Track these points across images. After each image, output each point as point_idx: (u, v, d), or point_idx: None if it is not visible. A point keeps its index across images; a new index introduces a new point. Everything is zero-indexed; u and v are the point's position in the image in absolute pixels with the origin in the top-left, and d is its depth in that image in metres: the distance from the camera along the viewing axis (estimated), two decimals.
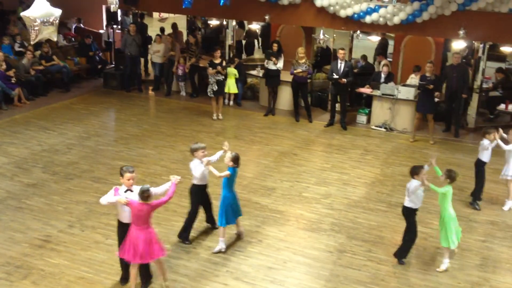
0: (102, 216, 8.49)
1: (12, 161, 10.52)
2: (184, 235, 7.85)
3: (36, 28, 7.14)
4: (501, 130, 9.24)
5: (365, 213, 8.98)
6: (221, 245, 7.64)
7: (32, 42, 7.83)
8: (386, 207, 9.21)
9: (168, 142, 11.84)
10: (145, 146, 11.60)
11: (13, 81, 13.81)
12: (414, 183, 7.25)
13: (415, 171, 7.31)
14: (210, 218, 8.21)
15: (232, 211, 7.63)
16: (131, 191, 6.45)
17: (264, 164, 10.83)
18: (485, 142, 9.03)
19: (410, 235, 7.49)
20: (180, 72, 15.22)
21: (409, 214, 7.43)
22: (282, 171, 10.53)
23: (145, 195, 6.25)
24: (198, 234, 8.09)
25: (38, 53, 15.27)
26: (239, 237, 7.97)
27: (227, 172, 7.42)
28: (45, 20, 7.16)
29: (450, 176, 7.37)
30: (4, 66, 13.74)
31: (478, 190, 9.40)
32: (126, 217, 6.46)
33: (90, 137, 12.00)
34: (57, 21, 7.43)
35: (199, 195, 7.80)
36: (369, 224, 8.61)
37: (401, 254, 7.55)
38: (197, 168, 7.49)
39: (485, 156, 9.16)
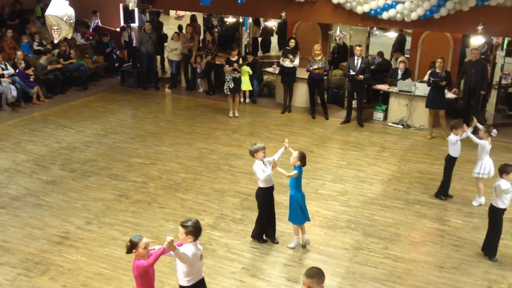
0: (119, 213, 8.57)
1: (31, 158, 10.66)
2: (258, 235, 7.80)
3: (55, 27, 7.23)
4: (475, 119, 9.35)
5: (382, 210, 8.94)
6: (295, 242, 7.69)
7: (56, 41, 7.93)
8: (403, 204, 9.15)
9: (185, 140, 11.89)
10: (162, 143, 11.67)
11: (32, 79, 13.98)
12: (503, 183, 7.10)
13: (504, 170, 7.15)
14: (271, 230, 7.90)
15: (302, 211, 7.51)
16: None
17: (280, 161, 10.78)
18: (452, 137, 9.02)
19: (493, 235, 7.42)
20: (199, 69, 15.30)
21: (496, 214, 7.35)
22: None
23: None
24: (213, 231, 8.11)
25: (56, 51, 15.42)
26: (304, 246, 7.75)
27: (295, 172, 7.31)
28: (65, 19, 7.25)
29: None
30: (23, 65, 13.91)
31: (445, 184, 9.37)
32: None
33: (107, 135, 12.10)
34: (72, 20, 7.51)
35: (267, 197, 7.59)
36: (386, 221, 8.57)
37: (491, 252, 7.51)
38: (261, 170, 7.32)
39: (454, 151, 9.11)
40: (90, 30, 18.73)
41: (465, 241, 8.01)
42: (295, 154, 7.38)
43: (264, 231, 7.81)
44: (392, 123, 13.14)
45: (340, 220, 8.57)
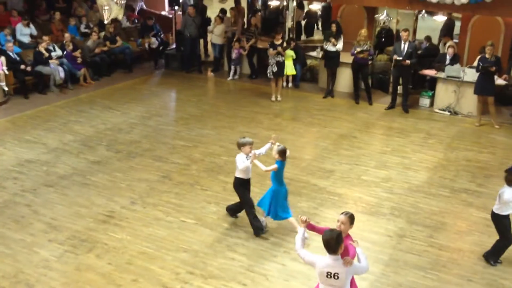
0: (163, 194, 8.68)
1: (78, 139, 10.90)
2: (256, 225, 7.55)
3: (107, 7, 7.34)
4: None
5: (427, 198, 8.75)
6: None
7: (105, 22, 8.07)
8: (449, 192, 8.94)
9: (227, 123, 11.93)
10: (204, 126, 11.73)
11: (79, 62, 14.25)
12: (508, 192, 6.57)
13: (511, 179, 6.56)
14: (235, 210, 7.95)
15: (282, 206, 7.42)
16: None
17: (323, 146, 10.73)
18: None
19: (502, 241, 6.94)
20: (234, 55, 15.22)
21: (498, 220, 6.85)
22: (341, 154, 10.40)
23: None
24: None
25: (102, 34, 15.65)
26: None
27: (274, 166, 7.21)
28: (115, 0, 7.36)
29: None
30: (71, 47, 14.20)
31: None
32: None
33: (151, 117, 12.25)
34: (123, 1, 7.61)
35: (244, 186, 7.59)
36: (431, 209, 8.39)
37: (492, 257, 7.05)
38: (241, 162, 7.34)
39: None
40: (135, 13, 18.91)
41: None
42: (275, 148, 7.26)
43: (256, 218, 7.57)
44: (439, 109, 12.83)
45: (383, 206, 8.45)
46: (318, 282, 5.06)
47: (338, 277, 4.83)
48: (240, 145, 7.42)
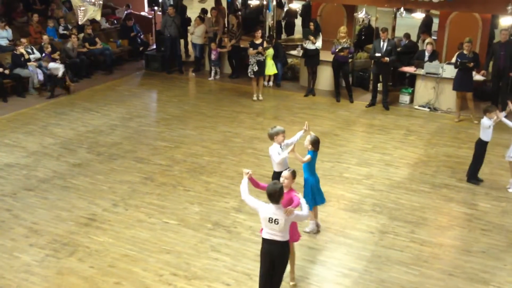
0: (145, 196, 8.64)
1: (58, 141, 10.79)
2: None
3: (82, 8, 7.30)
4: (510, 104, 8.93)
5: (408, 194, 8.83)
6: (311, 227, 7.56)
7: (80, 22, 8.00)
8: (429, 188, 9.03)
9: (209, 123, 11.90)
10: (186, 126, 11.70)
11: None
12: None
13: None
14: None
15: (318, 193, 7.39)
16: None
17: (304, 144, 10.74)
18: (486, 121, 8.75)
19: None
20: (213, 56, 15.18)
21: None
22: (323, 152, 10.39)
23: None
24: (238, 214, 8.13)
25: (81, 35, 15.50)
26: (318, 228, 7.67)
27: (308, 157, 7.16)
28: (90, 0, 7.30)
29: None
30: (49, 49, 14.02)
31: (474, 168, 9.17)
32: None
33: (132, 118, 12.18)
34: (100, 1, 7.56)
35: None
36: (412, 205, 8.47)
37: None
38: (277, 153, 7.12)
39: (486, 135, 8.85)
40: (122, 19, 18.54)
41: (493, 225, 7.89)
42: (308, 138, 7.26)
43: None
44: (419, 106, 12.95)
45: (365, 203, 8.51)
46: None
47: (278, 223, 5.51)
48: (273, 135, 7.19)
